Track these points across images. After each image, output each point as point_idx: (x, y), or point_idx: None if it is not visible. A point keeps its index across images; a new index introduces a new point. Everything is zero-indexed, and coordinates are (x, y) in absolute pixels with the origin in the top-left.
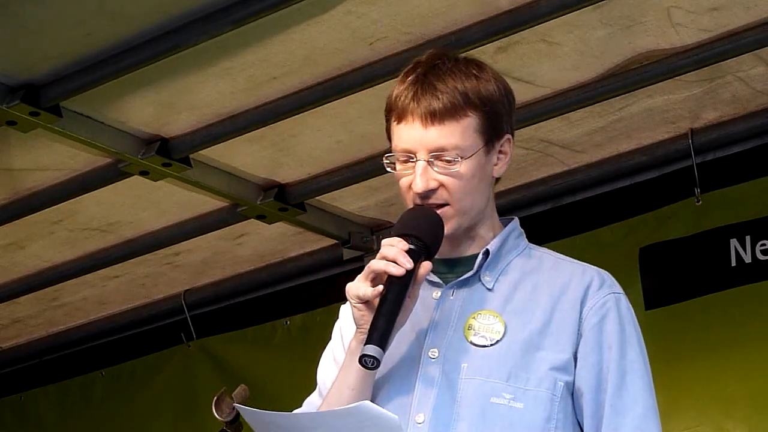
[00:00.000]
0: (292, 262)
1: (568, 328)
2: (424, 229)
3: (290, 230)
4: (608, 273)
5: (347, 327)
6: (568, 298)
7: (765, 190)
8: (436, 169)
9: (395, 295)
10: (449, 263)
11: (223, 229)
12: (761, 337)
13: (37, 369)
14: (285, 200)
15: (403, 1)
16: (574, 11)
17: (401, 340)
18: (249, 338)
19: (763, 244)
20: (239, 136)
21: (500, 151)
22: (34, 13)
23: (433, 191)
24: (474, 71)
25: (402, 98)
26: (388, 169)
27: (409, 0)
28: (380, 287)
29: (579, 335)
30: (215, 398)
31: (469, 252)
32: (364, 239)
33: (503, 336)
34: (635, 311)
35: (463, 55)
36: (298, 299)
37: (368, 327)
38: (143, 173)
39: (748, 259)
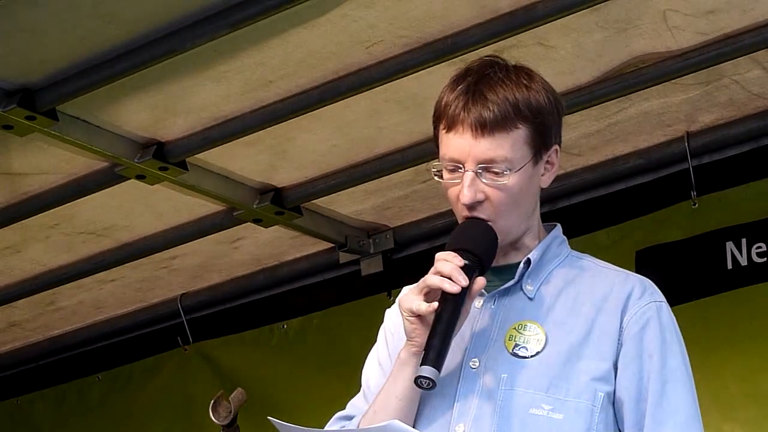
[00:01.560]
0: (289, 265)
1: (608, 337)
2: (478, 244)
3: (286, 234)
4: (650, 281)
5: (392, 331)
6: (609, 307)
7: (761, 193)
8: (484, 180)
9: (450, 313)
10: (493, 271)
11: (220, 232)
12: (759, 339)
13: (34, 373)
14: (281, 204)
15: (399, 5)
16: (570, 14)
17: None
18: (246, 342)
19: (759, 247)
20: (235, 139)
21: (548, 162)
22: (30, 16)
23: (479, 203)
24: (525, 81)
25: (452, 107)
26: (435, 178)
27: (406, 3)
28: (435, 304)
29: (620, 344)
30: (212, 402)
31: (513, 261)
32: (360, 243)
33: (544, 346)
34: None
35: (459, 58)
36: (295, 303)
37: (420, 341)
38: (139, 177)
39: (744, 261)
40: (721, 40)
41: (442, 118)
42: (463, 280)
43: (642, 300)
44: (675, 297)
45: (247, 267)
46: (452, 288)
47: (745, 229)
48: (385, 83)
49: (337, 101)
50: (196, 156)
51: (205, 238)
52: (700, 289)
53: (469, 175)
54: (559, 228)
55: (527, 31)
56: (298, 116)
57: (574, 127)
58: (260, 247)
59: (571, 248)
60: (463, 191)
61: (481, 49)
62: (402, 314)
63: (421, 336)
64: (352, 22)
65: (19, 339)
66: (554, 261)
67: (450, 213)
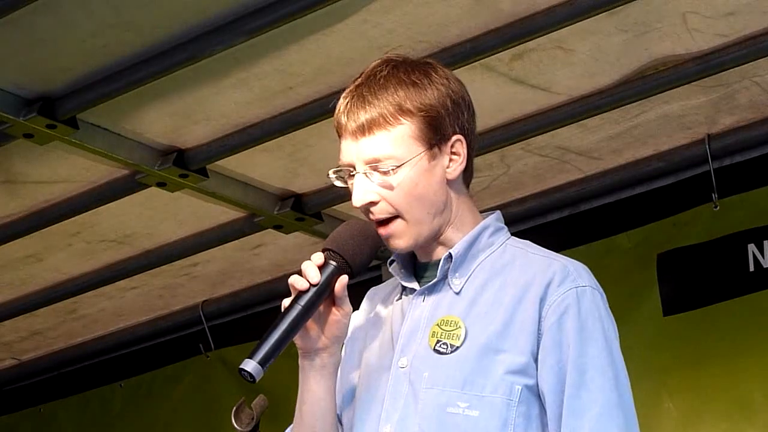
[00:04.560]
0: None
1: (527, 328)
2: (344, 243)
3: (307, 240)
4: (579, 265)
5: (354, 319)
6: (530, 296)
7: None
8: (374, 180)
9: (299, 311)
10: (424, 268)
11: (241, 239)
12: None
13: (56, 381)
14: (302, 210)
15: (418, 10)
16: (589, 18)
17: (378, 348)
18: None
19: None
20: (255, 146)
21: (453, 153)
22: (49, 25)
23: (374, 203)
24: (414, 77)
25: (338, 113)
26: (338, 183)
27: (425, 9)
28: (286, 301)
29: (539, 335)
30: (234, 408)
31: (439, 256)
32: (381, 248)
33: (463, 342)
34: (654, 318)
35: (478, 62)
36: None
37: (300, 343)
38: (160, 184)
39: (766, 264)
40: (741, 41)
41: (335, 126)
42: (314, 278)
43: (562, 287)
44: (697, 300)
45: (269, 273)
46: (300, 285)
47: (767, 231)
48: None
49: None
50: (216, 163)
51: (226, 245)
52: (721, 292)
53: (358, 177)
54: (494, 217)
55: (546, 34)
56: (318, 122)
57: (595, 130)
58: (281, 253)
59: (592, 253)
60: (354, 194)
61: (500, 54)
62: None
63: (298, 338)
64: (371, 28)
65: (41, 347)
66: (485, 252)
67: None
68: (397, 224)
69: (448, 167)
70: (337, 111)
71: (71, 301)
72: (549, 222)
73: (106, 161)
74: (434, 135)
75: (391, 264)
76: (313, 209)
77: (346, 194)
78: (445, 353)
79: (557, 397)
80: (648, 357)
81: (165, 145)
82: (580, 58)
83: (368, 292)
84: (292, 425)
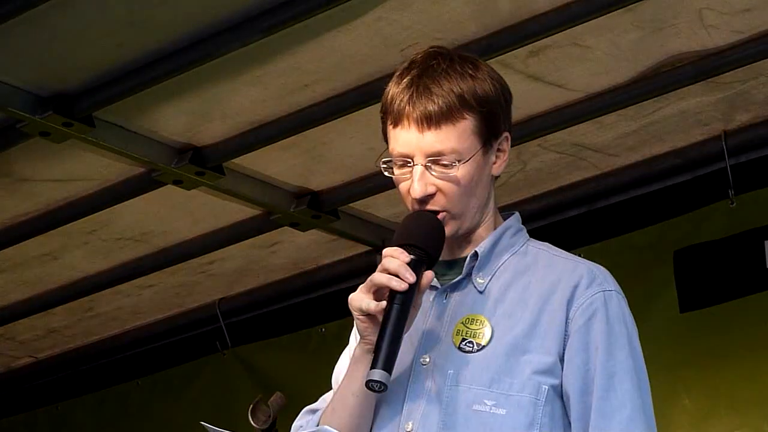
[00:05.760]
0: (327, 269)
1: (554, 329)
2: (425, 237)
3: (324, 237)
4: (603, 269)
5: None
6: (557, 298)
7: None
8: (433, 173)
9: (398, 311)
10: (447, 265)
11: (257, 237)
12: None
13: (74, 379)
14: (318, 208)
15: (433, 7)
16: (605, 14)
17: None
18: (284, 346)
19: None
20: (271, 144)
21: (498, 150)
22: (65, 24)
23: (431, 196)
24: (470, 71)
25: (397, 101)
26: (386, 173)
27: (440, 5)
28: (383, 303)
29: (566, 337)
30: (251, 406)
31: (465, 254)
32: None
33: (489, 341)
34: (671, 314)
35: (495, 59)
36: (333, 306)
37: (372, 338)
38: (176, 182)
39: None
40: (757, 38)
41: (389, 114)
42: (410, 277)
43: (590, 290)
44: (714, 296)
45: (285, 271)
46: (399, 285)
47: None
48: None
49: (373, 104)
50: (232, 161)
51: (242, 242)
52: (738, 289)
53: (418, 169)
54: (515, 218)
55: (562, 31)
56: (334, 119)
57: (611, 127)
58: (297, 251)
59: (609, 250)
60: (414, 186)
61: (516, 51)
62: (353, 314)
63: (373, 334)
64: (386, 25)
65: (58, 345)
66: (508, 252)
67: None
68: (443, 216)
69: (494, 164)
70: (393, 100)
71: (88, 299)
72: (565, 219)
73: (123, 159)
74: (491, 131)
75: None
76: (330, 207)
77: (362, 191)
78: (471, 351)
79: (583, 399)
80: (664, 353)
81: (181, 143)
82: (596, 55)
83: None
84: (311, 414)
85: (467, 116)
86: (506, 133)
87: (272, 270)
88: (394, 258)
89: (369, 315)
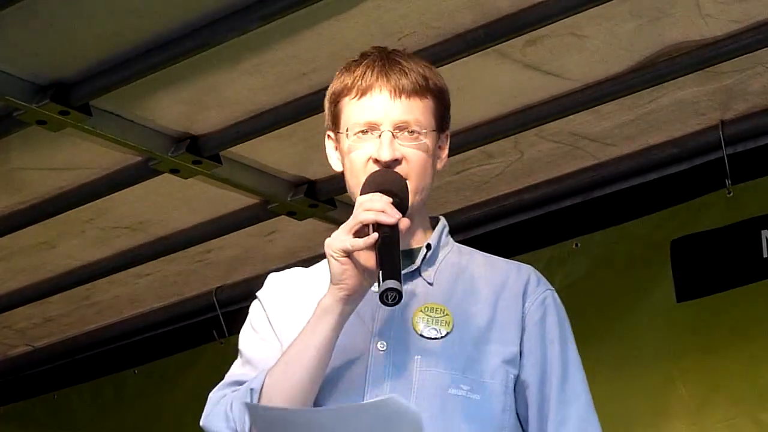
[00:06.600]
0: (324, 258)
1: (513, 322)
2: (398, 187)
3: (321, 226)
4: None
5: (274, 297)
6: (510, 294)
7: None
8: (399, 141)
9: (391, 237)
10: None
11: (254, 226)
12: None
13: (70, 367)
14: (315, 197)
15: None
16: (603, 4)
17: (349, 331)
18: None
19: None
20: (269, 133)
21: (440, 147)
22: (62, 12)
23: (397, 162)
24: (425, 64)
25: (365, 77)
26: (328, 146)
27: None
28: (375, 235)
29: (523, 329)
30: None
31: (411, 245)
32: None
33: (453, 328)
34: (667, 304)
35: (492, 48)
36: None
37: (351, 283)
38: (173, 171)
39: None
40: (754, 27)
41: (351, 90)
42: (397, 213)
43: (539, 288)
44: (710, 286)
45: (282, 260)
46: (389, 219)
47: None
48: None
49: None
50: (229, 149)
51: (239, 231)
52: (735, 278)
53: (387, 135)
54: (444, 219)
55: (560, 20)
56: None
57: (608, 117)
58: (295, 239)
59: (606, 239)
60: (383, 150)
61: (513, 40)
62: (331, 256)
63: (352, 278)
64: (384, 14)
65: (55, 334)
66: (446, 248)
67: (486, 203)
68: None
69: (439, 157)
70: (357, 77)
71: (85, 287)
72: (562, 208)
73: (120, 148)
74: (443, 120)
75: None
76: (327, 196)
77: None
78: (436, 338)
79: (541, 389)
80: (661, 343)
81: (178, 132)
82: (593, 44)
83: (286, 273)
84: (243, 369)
85: (429, 97)
86: (448, 132)
87: (269, 259)
88: (376, 200)
89: (349, 257)
